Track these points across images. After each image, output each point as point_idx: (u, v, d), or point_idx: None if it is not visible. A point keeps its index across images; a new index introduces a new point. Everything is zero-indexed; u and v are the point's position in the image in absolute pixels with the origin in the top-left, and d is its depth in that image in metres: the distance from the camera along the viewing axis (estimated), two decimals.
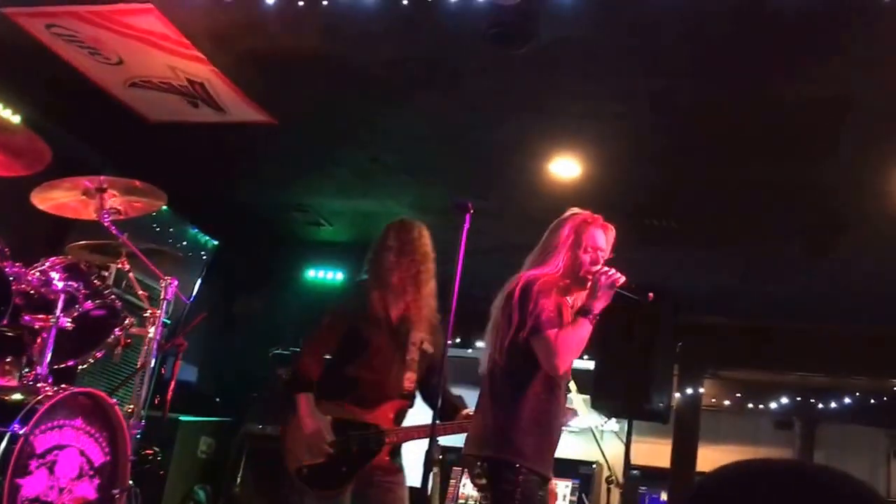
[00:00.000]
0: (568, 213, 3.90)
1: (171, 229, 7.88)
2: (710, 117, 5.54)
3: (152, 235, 7.11)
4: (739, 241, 7.62)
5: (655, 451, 10.09)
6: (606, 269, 3.58)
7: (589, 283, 3.61)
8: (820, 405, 12.10)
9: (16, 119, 5.93)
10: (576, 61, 5.08)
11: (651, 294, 3.69)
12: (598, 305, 3.54)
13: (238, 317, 8.98)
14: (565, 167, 6.43)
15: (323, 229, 8.67)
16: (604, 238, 3.77)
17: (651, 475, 10.35)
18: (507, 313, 3.60)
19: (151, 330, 4.72)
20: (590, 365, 7.87)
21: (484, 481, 3.51)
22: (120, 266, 4.93)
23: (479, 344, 10.29)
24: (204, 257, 8.42)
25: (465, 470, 3.84)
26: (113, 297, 4.69)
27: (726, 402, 12.31)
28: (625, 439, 7.09)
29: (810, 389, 12.03)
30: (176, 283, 4.83)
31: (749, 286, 8.73)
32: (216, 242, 8.40)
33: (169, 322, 5.07)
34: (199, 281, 8.14)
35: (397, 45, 5.12)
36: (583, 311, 3.53)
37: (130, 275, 4.97)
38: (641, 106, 5.50)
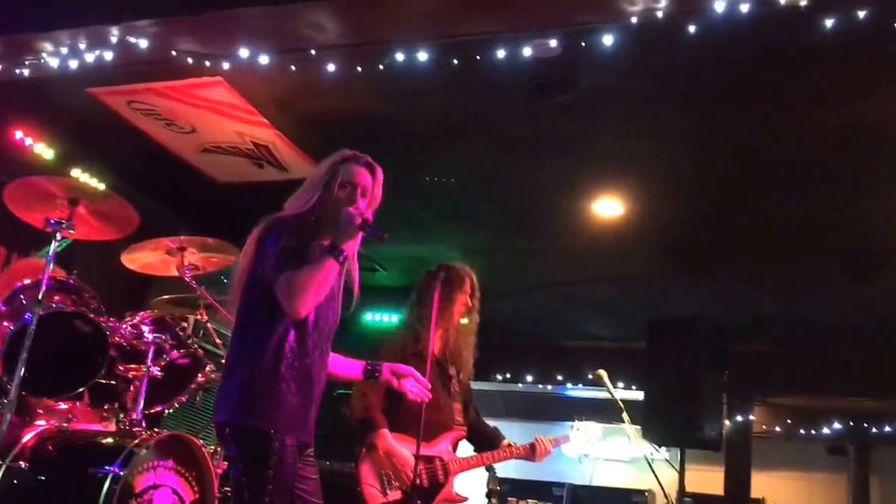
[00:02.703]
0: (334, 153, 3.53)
1: (236, 278, 8.28)
2: (747, 152, 5.82)
3: (224, 287, 7.51)
4: (782, 268, 7.76)
5: (708, 479, 10.15)
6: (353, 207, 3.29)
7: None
8: (873, 429, 12.03)
9: (101, 187, 6.43)
10: (615, 105, 5.42)
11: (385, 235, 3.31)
12: (342, 241, 3.14)
13: None
14: (608, 206, 6.75)
15: (378, 274, 9.05)
16: (368, 176, 3.44)
17: (704, 502, 10.41)
18: (246, 255, 3.21)
19: None
20: (638, 395, 8.08)
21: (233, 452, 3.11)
22: (198, 317, 5.36)
23: (529, 378, 10.63)
24: None
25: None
26: (195, 346, 5.09)
27: (777, 429, 12.27)
28: (677, 467, 7.23)
29: (862, 414, 11.95)
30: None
31: (794, 312, 8.85)
32: None
33: None
34: None
35: (444, 98, 5.52)
36: (328, 249, 3.14)
37: (208, 325, 5.39)
38: (680, 144, 5.81)
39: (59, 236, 4.40)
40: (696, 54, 4.61)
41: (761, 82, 5.00)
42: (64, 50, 4.69)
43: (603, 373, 5.34)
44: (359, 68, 4.64)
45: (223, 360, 5.18)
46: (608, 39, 4.18)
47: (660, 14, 3.86)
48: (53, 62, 4.79)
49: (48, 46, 4.70)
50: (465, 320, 4.79)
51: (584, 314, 9.35)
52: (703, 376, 7.39)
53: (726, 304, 8.41)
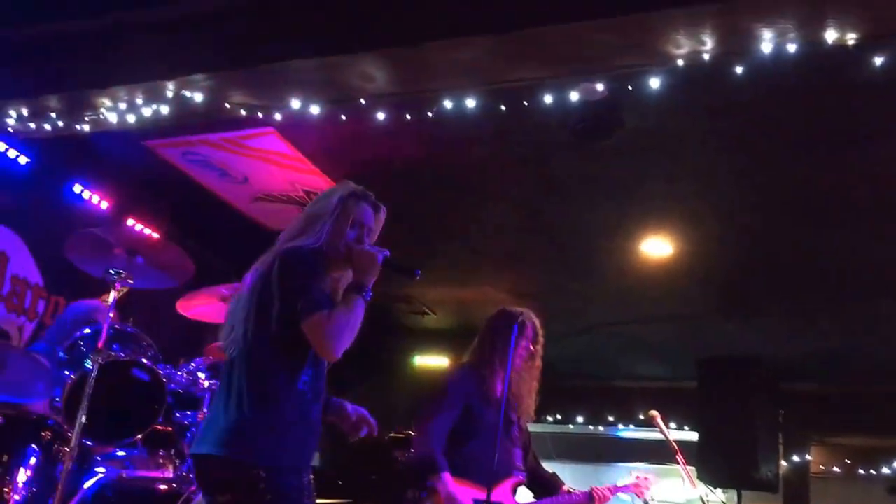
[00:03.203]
0: (339, 184, 3.45)
1: None
2: (796, 190, 5.79)
3: None
4: (834, 305, 7.68)
5: None
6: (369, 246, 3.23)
7: (353, 261, 3.18)
8: None
9: (156, 236, 6.59)
10: (661, 146, 5.44)
11: (418, 271, 3.25)
12: (369, 281, 3.08)
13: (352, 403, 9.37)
14: (657, 246, 6.74)
15: (428, 317, 9.10)
16: (373, 217, 3.35)
17: None
18: (263, 290, 3.01)
19: None
20: (692, 436, 7.99)
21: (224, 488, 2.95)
22: None
23: (580, 419, 10.56)
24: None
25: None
26: None
27: (836, 469, 12.06)
28: None
29: None
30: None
31: (848, 349, 8.71)
32: None
33: None
34: None
35: (493, 143, 5.59)
36: (356, 289, 3.06)
37: None
38: (728, 183, 5.81)
39: (118, 286, 4.51)
40: (743, 94, 4.61)
41: (809, 120, 4.99)
42: (122, 105, 4.83)
43: (655, 413, 5.29)
44: (408, 116, 4.71)
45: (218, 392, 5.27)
46: (654, 82, 4.19)
47: (706, 56, 3.87)
48: (112, 117, 4.93)
49: (107, 102, 4.84)
50: (531, 365, 4.76)
51: (634, 354, 9.28)
52: (758, 416, 7.32)
53: (778, 343, 8.34)
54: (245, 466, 2.86)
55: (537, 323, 4.75)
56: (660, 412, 5.31)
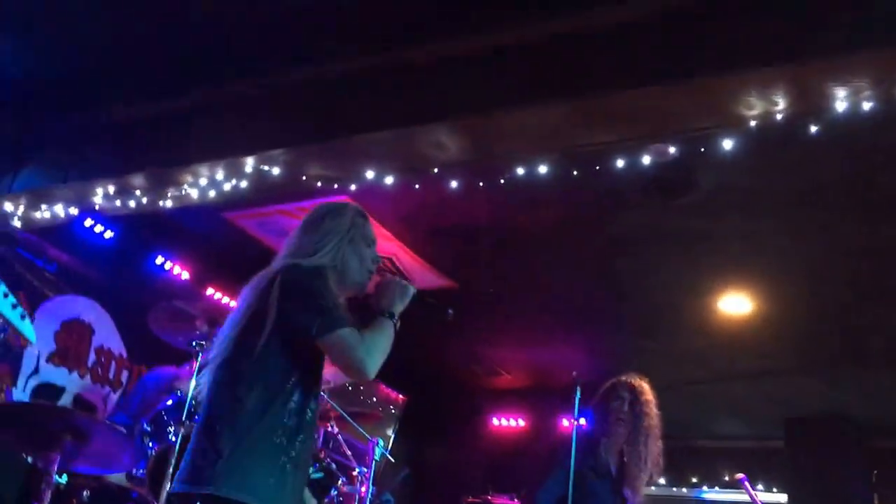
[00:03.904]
0: (334, 202, 3.27)
1: (361, 387, 8.45)
2: (879, 242, 5.64)
3: (348, 396, 7.68)
4: None
5: None
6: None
7: (378, 283, 3.04)
8: None
9: (232, 304, 6.72)
10: (738, 202, 5.38)
11: (450, 310, 3.16)
12: (399, 310, 2.95)
13: (429, 466, 9.36)
14: (735, 303, 6.62)
15: (503, 378, 9.06)
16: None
17: None
18: (260, 307, 2.77)
19: (362, 489, 5.17)
20: (781, 498, 7.76)
21: None
22: (328, 429, 5.46)
23: (661, 481, 10.29)
24: (393, 412, 8.93)
25: None
26: (328, 460, 5.18)
27: None
28: None
29: None
30: (378, 441, 5.29)
31: None
32: (404, 397, 8.90)
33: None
34: (393, 435, 8.62)
35: (564, 206, 5.61)
36: (384, 314, 2.91)
37: (338, 436, 5.48)
38: (808, 238, 5.69)
39: (200, 356, 4.61)
40: (818, 151, 4.57)
41: (887, 175, 4.90)
42: (203, 181, 4.98)
43: (742, 475, 5.18)
44: (480, 184, 4.75)
45: (353, 472, 5.32)
46: (727, 143, 4.17)
47: (779, 116, 3.83)
48: (193, 193, 5.09)
49: (189, 178, 5.00)
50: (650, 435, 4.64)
51: (716, 413, 9.07)
52: (850, 476, 7.09)
53: (868, 399, 8.05)
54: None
55: (642, 388, 4.64)
56: (746, 473, 5.19)
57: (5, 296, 2.44)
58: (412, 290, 3.01)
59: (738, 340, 7.14)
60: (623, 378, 4.74)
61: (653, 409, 4.62)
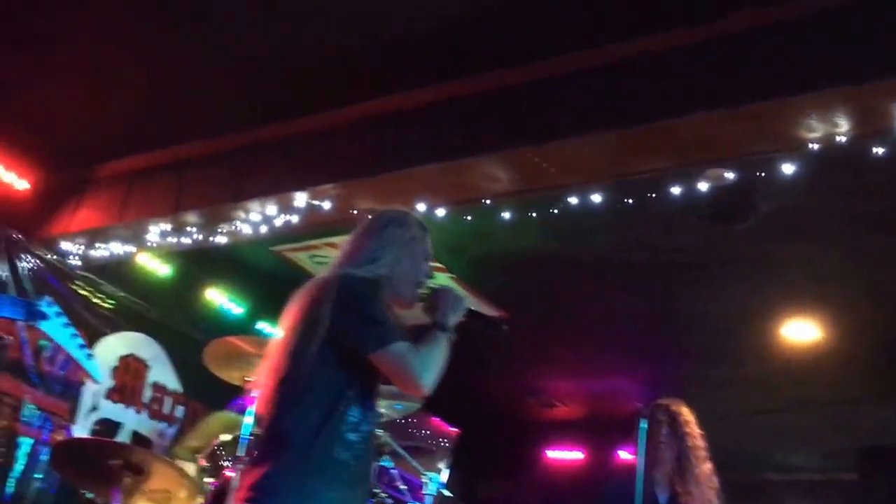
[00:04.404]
0: (398, 210, 3.17)
1: (413, 420, 8.39)
2: None
3: (400, 430, 7.61)
4: None
5: None
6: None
7: (436, 300, 2.91)
8: None
9: None
10: (800, 227, 5.26)
11: (506, 325, 3.03)
12: (453, 323, 2.82)
13: (483, 500, 9.25)
14: (801, 329, 6.47)
15: (557, 409, 8.94)
16: None
17: None
18: (315, 318, 2.66)
19: None
20: None
21: None
22: (382, 463, 5.40)
23: None
24: (446, 445, 8.84)
25: None
26: (384, 495, 5.12)
27: None
28: None
29: None
30: (433, 476, 5.22)
31: None
32: (457, 430, 8.80)
33: None
34: (447, 470, 8.53)
35: (618, 232, 5.52)
36: (439, 328, 2.79)
37: (393, 471, 5.42)
38: (876, 261, 5.53)
39: (254, 393, 4.59)
40: (882, 172, 4.42)
41: None
42: (255, 217, 5.02)
43: None
44: (533, 214, 4.71)
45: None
46: (788, 167, 4.06)
47: (841, 138, 3.73)
48: (246, 228, 5.13)
49: (241, 215, 5.05)
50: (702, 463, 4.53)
51: (783, 444, 8.84)
52: None
53: None
54: None
55: (679, 410, 4.51)
56: None
57: (73, 336, 2.46)
58: (467, 301, 2.88)
59: (805, 368, 6.96)
60: (659, 402, 4.63)
61: (694, 429, 4.48)
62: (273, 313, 6.91)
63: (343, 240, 5.48)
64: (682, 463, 4.44)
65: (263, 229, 5.09)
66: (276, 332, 2.81)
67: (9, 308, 2.28)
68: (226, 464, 4.66)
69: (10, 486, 5.53)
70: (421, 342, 2.67)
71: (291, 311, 2.75)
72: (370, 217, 3.05)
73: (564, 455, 9.33)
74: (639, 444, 4.43)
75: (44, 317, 2.38)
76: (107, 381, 6.19)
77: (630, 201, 4.54)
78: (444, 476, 8.34)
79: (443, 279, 3.54)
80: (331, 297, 2.62)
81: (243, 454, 4.39)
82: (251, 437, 4.56)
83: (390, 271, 2.80)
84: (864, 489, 7.42)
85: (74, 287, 6.05)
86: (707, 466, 4.45)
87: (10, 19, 4.52)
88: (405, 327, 2.75)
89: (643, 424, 4.38)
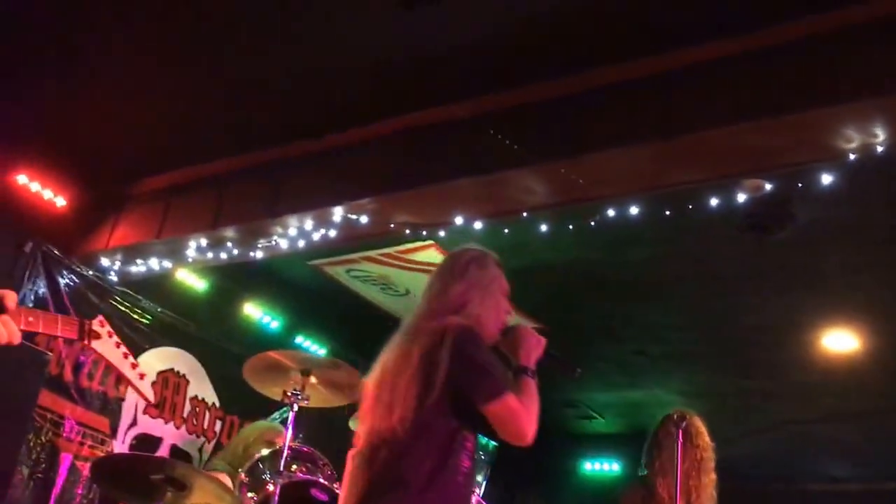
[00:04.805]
0: (476, 249, 3.20)
1: None
2: None
3: None
4: None
5: None
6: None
7: (517, 340, 2.97)
8: None
9: (322, 352, 6.78)
10: (838, 237, 5.20)
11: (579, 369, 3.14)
12: (533, 364, 2.88)
13: None
14: (840, 340, 6.39)
15: (595, 422, 8.90)
16: None
17: None
18: (430, 368, 2.73)
19: None
20: None
21: None
22: None
23: None
24: (484, 458, 8.82)
25: None
26: None
27: None
28: None
29: None
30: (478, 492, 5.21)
31: None
32: (495, 444, 8.79)
33: None
34: (485, 482, 8.52)
35: (656, 245, 5.49)
36: (525, 372, 2.85)
37: None
38: None
39: (295, 407, 4.61)
40: None
41: None
42: (292, 232, 5.05)
43: None
44: (570, 226, 4.70)
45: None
46: (826, 177, 4.03)
47: (879, 148, 3.70)
48: (283, 243, 5.17)
49: (278, 229, 5.08)
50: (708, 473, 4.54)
51: (823, 455, 8.73)
52: None
53: None
54: None
55: (701, 427, 4.53)
56: None
57: (125, 356, 2.47)
58: (544, 342, 2.93)
59: (846, 378, 6.87)
60: (671, 413, 4.62)
61: (705, 441, 4.49)
62: (310, 327, 7.03)
63: (381, 253, 5.52)
64: (690, 475, 4.45)
65: (301, 244, 5.12)
66: (375, 374, 2.89)
67: (61, 327, 2.29)
68: (266, 478, 4.68)
69: (52, 501, 5.59)
70: (518, 391, 2.71)
71: (394, 356, 2.81)
72: (450, 257, 3.13)
73: (601, 468, 9.28)
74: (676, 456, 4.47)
75: (96, 336, 2.40)
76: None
77: (668, 213, 4.52)
78: (482, 488, 8.34)
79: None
80: (445, 346, 2.67)
81: (283, 468, 4.42)
82: (290, 451, 4.61)
83: (478, 314, 2.86)
84: None
85: (113, 303, 6.11)
86: (712, 478, 4.46)
87: (50, 39, 4.59)
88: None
89: (679, 436, 4.41)
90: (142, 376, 2.56)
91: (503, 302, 3.01)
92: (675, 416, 4.66)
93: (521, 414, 2.66)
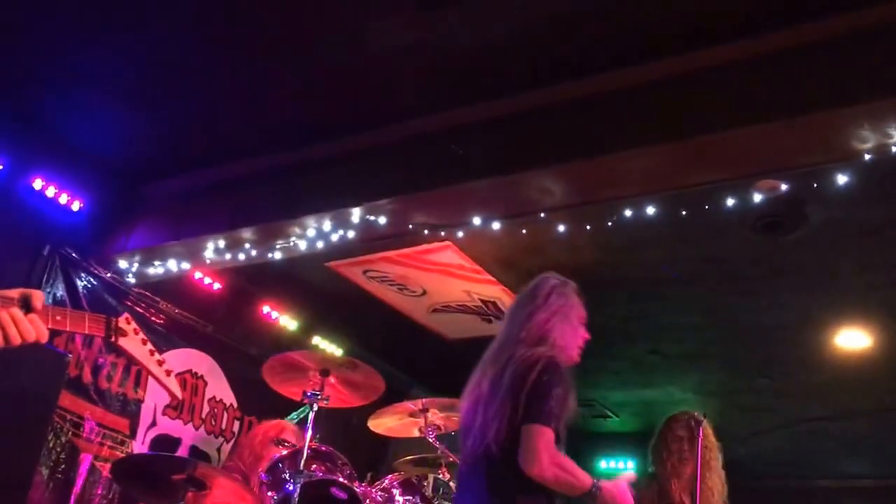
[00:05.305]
0: (557, 278, 3.51)
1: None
2: None
3: (454, 441, 7.63)
4: None
5: None
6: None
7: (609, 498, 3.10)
8: None
9: (339, 353, 6.82)
10: (852, 236, 5.23)
11: None
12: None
13: None
14: (853, 338, 6.42)
15: (610, 420, 8.92)
16: None
17: None
18: (519, 393, 2.96)
19: None
20: None
21: None
22: (440, 475, 5.43)
23: None
24: None
25: None
26: None
27: None
28: None
29: None
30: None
31: None
32: None
33: None
34: None
35: (672, 245, 5.52)
36: (593, 487, 3.06)
37: (451, 483, 5.44)
38: None
39: (315, 407, 4.65)
40: None
41: None
42: (310, 233, 5.09)
43: None
44: (587, 227, 4.73)
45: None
46: (841, 178, 4.06)
47: (894, 148, 3.71)
48: (301, 244, 5.20)
49: (296, 230, 5.12)
50: (716, 471, 4.56)
51: (837, 451, 8.75)
52: None
53: None
54: None
55: (709, 428, 4.56)
56: None
57: (151, 353, 2.51)
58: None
59: (859, 376, 6.90)
60: (676, 414, 4.65)
61: (712, 441, 4.52)
62: (326, 328, 7.06)
63: (398, 254, 5.56)
64: (704, 476, 4.46)
65: (319, 245, 5.16)
66: (470, 398, 3.18)
67: (87, 325, 2.33)
68: (286, 477, 4.72)
69: (71, 501, 5.64)
70: (571, 461, 2.92)
71: (488, 382, 3.07)
72: (533, 286, 3.42)
73: (616, 466, 9.30)
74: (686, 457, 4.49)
75: (123, 333, 2.44)
76: (165, 397, 6.28)
77: (684, 213, 4.55)
78: None
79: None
80: (532, 374, 2.92)
81: (303, 467, 4.46)
82: (309, 450, 4.64)
83: (560, 344, 3.15)
84: None
85: (131, 305, 6.16)
86: (721, 476, 4.49)
87: (65, 42, 4.62)
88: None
89: (699, 435, 4.42)
90: (168, 373, 2.60)
91: (581, 330, 3.30)
92: (686, 418, 4.68)
93: (545, 451, 2.82)
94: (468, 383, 3.21)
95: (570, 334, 3.23)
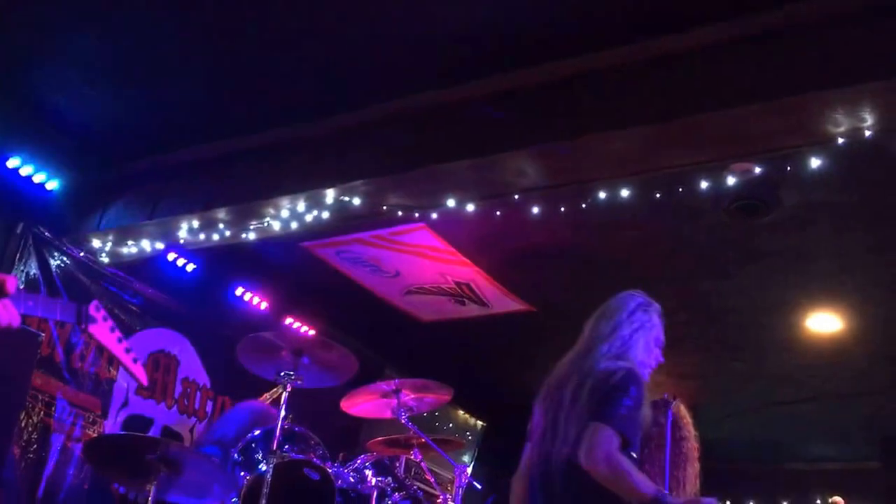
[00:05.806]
0: (642, 296, 3.58)
1: (437, 413, 8.43)
2: None
3: (425, 423, 7.67)
4: None
5: None
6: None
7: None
8: None
9: (311, 333, 6.80)
10: (825, 220, 5.27)
11: None
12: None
13: (507, 494, 9.26)
14: (825, 322, 6.48)
15: None
16: None
17: None
18: (599, 398, 3.02)
19: None
20: None
21: None
22: (410, 456, 5.44)
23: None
24: (470, 438, 8.90)
25: None
26: (415, 487, 5.16)
27: None
28: None
29: None
30: (466, 468, 5.25)
31: None
32: (483, 424, 8.86)
33: None
34: (472, 462, 8.59)
35: (646, 227, 5.54)
36: (658, 495, 3.00)
37: (423, 464, 5.46)
38: None
39: (288, 387, 4.64)
40: None
41: None
42: (284, 213, 5.06)
43: (839, 500, 5.04)
44: (562, 209, 4.74)
45: (437, 500, 5.29)
46: (814, 161, 4.09)
47: (867, 132, 3.74)
48: (276, 225, 5.18)
49: (271, 211, 5.09)
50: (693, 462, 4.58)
51: (807, 434, 8.86)
52: None
53: None
54: None
55: (686, 414, 4.58)
56: (841, 496, 5.05)
57: (119, 341, 2.52)
58: None
59: (829, 360, 6.98)
60: (657, 400, 4.67)
61: (691, 431, 4.54)
62: (299, 309, 7.03)
63: (372, 235, 5.54)
64: (676, 464, 4.49)
65: (293, 225, 5.14)
66: (546, 405, 3.24)
67: (60, 311, 2.33)
68: (259, 457, 4.71)
69: (43, 481, 5.61)
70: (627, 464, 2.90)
71: (569, 391, 3.11)
72: (620, 300, 3.51)
73: None
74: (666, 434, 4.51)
75: (93, 321, 2.44)
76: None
77: (658, 195, 4.57)
78: (469, 469, 8.37)
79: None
80: (612, 381, 2.98)
81: (277, 448, 4.45)
82: (283, 431, 4.63)
83: (639, 360, 3.23)
84: (887, 477, 7.43)
85: (104, 284, 6.11)
86: (696, 467, 4.51)
87: (46, 19, 4.57)
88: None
89: (669, 415, 4.44)
90: (135, 360, 2.60)
91: (656, 352, 3.37)
92: (661, 404, 4.70)
93: (601, 445, 2.84)
94: (542, 389, 3.32)
95: (648, 352, 3.32)
